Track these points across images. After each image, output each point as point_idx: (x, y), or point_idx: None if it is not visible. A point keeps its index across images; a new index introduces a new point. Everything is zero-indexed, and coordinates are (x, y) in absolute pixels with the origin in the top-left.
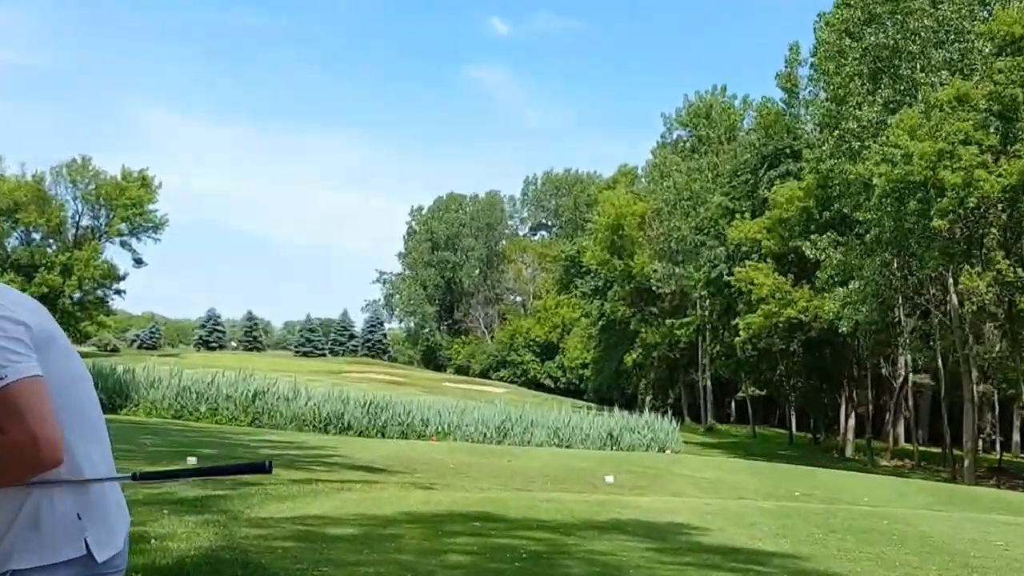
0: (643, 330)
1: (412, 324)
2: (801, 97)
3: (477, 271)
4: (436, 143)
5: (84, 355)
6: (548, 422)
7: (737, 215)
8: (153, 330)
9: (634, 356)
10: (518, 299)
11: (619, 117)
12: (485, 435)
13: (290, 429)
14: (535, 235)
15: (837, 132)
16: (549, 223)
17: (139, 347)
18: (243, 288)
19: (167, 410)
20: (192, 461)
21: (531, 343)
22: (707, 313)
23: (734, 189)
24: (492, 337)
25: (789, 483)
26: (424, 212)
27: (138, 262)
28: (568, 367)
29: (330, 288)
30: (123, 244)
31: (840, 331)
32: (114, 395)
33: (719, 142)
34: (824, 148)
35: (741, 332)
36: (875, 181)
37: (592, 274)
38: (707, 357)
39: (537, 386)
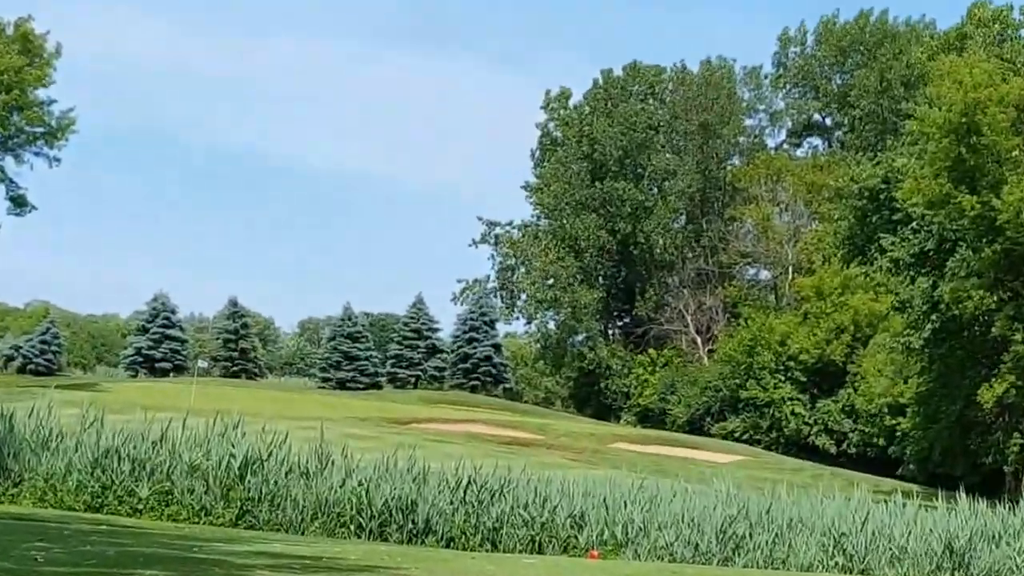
0: (1019, 336)
1: (551, 326)
2: None
3: (683, 219)
4: None
5: None
6: (824, 521)
7: None
8: (48, 338)
9: (999, 390)
10: (763, 275)
11: None
12: (697, 547)
13: (313, 532)
14: (798, 147)
15: None
16: (827, 122)
17: (22, 370)
18: (220, 259)
19: (76, 494)
20: None
21: (789, 363)
22: None
23: None
24: (711, 353)
25: None
26: (576, 103)
27: (18, 203)
28: (865, 412)
29: (388, 258)
30: None
31: None
32: None
33: None
34: None
35: None
36: None
37: (915, 224)
38: None
39: (802, 448)
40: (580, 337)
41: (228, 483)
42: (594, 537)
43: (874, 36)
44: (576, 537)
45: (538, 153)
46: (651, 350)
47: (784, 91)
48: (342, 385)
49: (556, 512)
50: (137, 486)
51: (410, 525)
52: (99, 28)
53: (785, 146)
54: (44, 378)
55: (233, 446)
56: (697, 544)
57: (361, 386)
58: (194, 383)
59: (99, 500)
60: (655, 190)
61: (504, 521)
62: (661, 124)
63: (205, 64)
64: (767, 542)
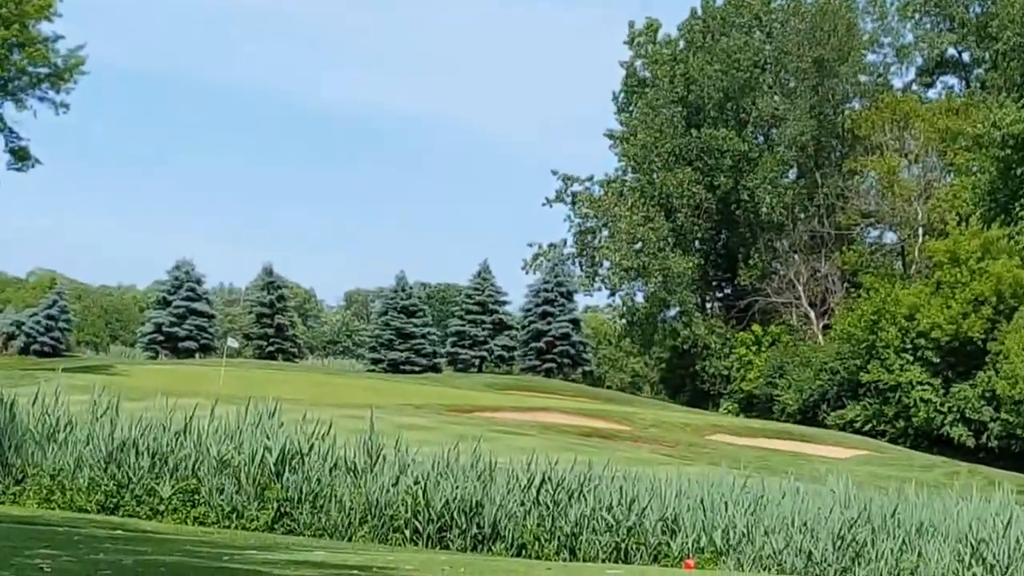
0: None
1: (639, 298)
2: None
3: (793, 172)
4: None
5: None
6: (960, 526)
7: None
8: (55, 312)
9: None
10: (888, 238)
11: None
12: (810, 556)
13: (362, 538)
14: (930, 87)
15: None
16: (964, 58)
17: (25, 350)
18: (253, 221)
19: (87, 493)
20: None
21: (919, 341)
22: None
23: None
24: (826, 329)
25: None
26: (666, 38)
27: (19, 157)
28: (1008, 398)
29: (448, 220)
30: None
31: None
32: None
33: None
34: None
35: None
36: None
37: None
38: None
39: (933, 441)
40: (673, 311)
41: (263, 481)
42: (689, 544)
43: None
44: (668, 544)
45: (622, 96)
46: (756, 326)
47: (913, 21)
48: (395, 367)
49: (645, 515)
50: (158, 484)
51: (474, 530)
52: None
53: (914, 86)
54: (50, 359)
55: (269, 438)
56: (810, 552)
57: (417, 368)
58: (223, 365)
59: (114, 500)
60: (761, 139)
61: (584, 525)
62: (769, 61)
63: None
64: (892, 550)
